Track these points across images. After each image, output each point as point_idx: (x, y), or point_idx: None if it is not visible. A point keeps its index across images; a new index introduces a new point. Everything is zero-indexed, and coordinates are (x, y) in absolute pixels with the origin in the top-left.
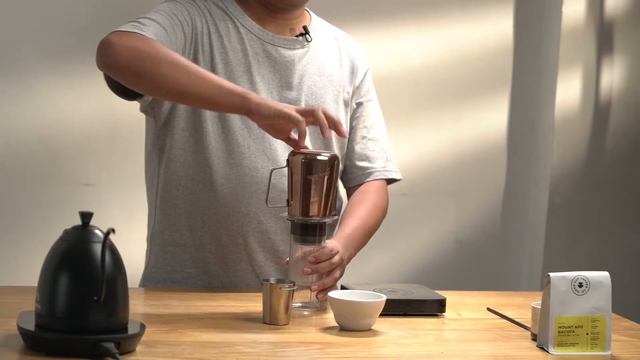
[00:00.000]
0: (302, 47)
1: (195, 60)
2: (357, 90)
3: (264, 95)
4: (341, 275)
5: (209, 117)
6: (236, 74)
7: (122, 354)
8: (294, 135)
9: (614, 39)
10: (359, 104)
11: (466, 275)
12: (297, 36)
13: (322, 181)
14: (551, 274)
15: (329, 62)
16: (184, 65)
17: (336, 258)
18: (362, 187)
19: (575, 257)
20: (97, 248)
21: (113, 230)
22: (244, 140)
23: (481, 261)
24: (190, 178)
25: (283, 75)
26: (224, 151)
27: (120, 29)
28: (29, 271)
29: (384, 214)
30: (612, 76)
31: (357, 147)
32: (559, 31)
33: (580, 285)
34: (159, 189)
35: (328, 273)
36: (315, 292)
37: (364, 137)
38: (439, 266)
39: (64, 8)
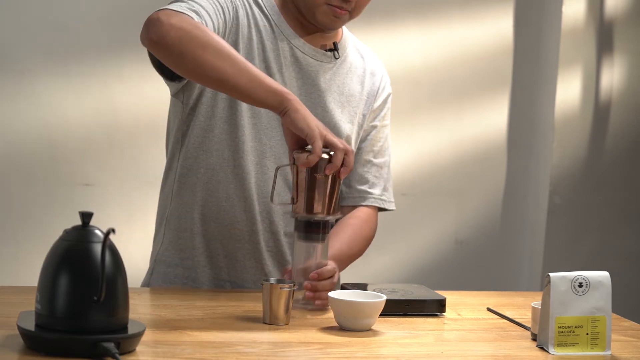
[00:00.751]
0: (329, 62)
1: (235, 48)
2: (373, 113)
3: None
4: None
5: (244, 109)
6: (272, 71)
7: (122, 354)
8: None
9: (614, 39)
10: (373, 127)
11: (466, 275)
12: (326, 50)
13: (326, 179)
14: (551, 274)
15: (352, 81)
16: (228, 54)
17: (336, 277)
18: (354, 212)
19: (575, 257)
20: (97, 248)
21: (113, 230)
22: (267, 140)
23: (481, 261)
24: (211, 167)
25: (305, 83)
26: (250, 146)
27: (169, 7)
28: (29, 271)
29: (367, 244)
30: (612, 76)
31: (360, 170)
32: (559, 31)
33: (580, 285)
34: (177, 174)
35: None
36: (309, 298)
37: (369, 162)
38: (439, 266)
39: (64, 8)
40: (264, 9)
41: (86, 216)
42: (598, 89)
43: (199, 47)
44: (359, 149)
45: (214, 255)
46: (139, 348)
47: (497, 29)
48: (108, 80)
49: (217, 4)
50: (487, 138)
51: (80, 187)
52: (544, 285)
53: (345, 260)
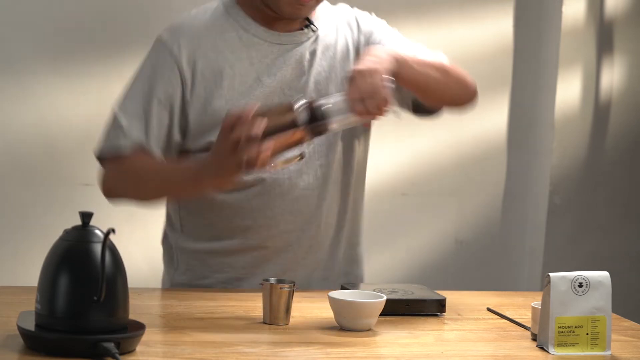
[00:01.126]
0: (309, 37)
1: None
2: (367, 43)
3: (278, 94)
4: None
5: None
6: (263, 78)
7: (122, 354)
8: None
9: (614, 39)
10: (386, 41)
11: (466, 275)
12: (301, 28)
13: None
14: (551, 274)
15: (334, 42)
16: (160, 181)
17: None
18: None
19: (575, 257)
20: (97, 248)
21: (113, 230)
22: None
23: (481, 261)
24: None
25: (294, 69)
26: None
27: (107, 149)
28: (29, 271)
29: (462, 81)
30: (612, 76)
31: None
32: (559, 31)
33: (580, 285)
34: (181, 202)
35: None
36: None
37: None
38: (439, 266)
39: (64, 8)
40: (230, 18)
41: (86, 216)
42: (598, 89)
43: (136, 194)
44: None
45: (233, 269)
46: (139, 348)
47: (497, 29)
48: (108, 80)
49: (154, 102)
50: (487, 138)
51: (80, 187)
52: (544, 285)
53: (420, 61)
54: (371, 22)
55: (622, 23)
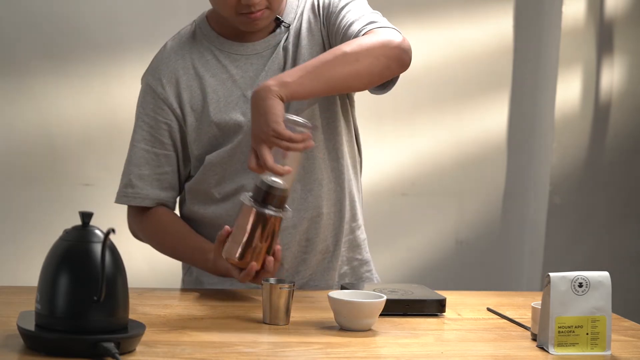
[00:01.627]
0: (282, 35)
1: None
2: (330, 14)
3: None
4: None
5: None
6: (232, 103)
7: (122, 354)
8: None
9: (614, 39)
10: (335, 16)
11: (466, 275)
12: (273, 31)
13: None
14: (551, 274)
15: (307, 27)
16: (180, 253)
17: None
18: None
19: (575, 257)
20: (97, 248)
21: (113, 230)
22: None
23: (481, 261)
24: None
25: (277, 71)
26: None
27: (126, 203)
28: (29, 271)
29: (383, 48)
30: (612, 76)
31: (339, 24)
32: (559, 31)
33: (580, 285)
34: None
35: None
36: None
37: (339, 13)
38: (439, 266)
39: (65, 8)
40: (203, 42)
41: (86, 216)
42: (598, 89)
43: (154, 244)
44: (334, 32)
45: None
46: (139, 348)
47: (497, 29)
48: (108, 80)
49: (158, 155)
50: (487, 138)
51: (80, 187)
52: (544, 285)
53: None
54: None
55: (622, 23)
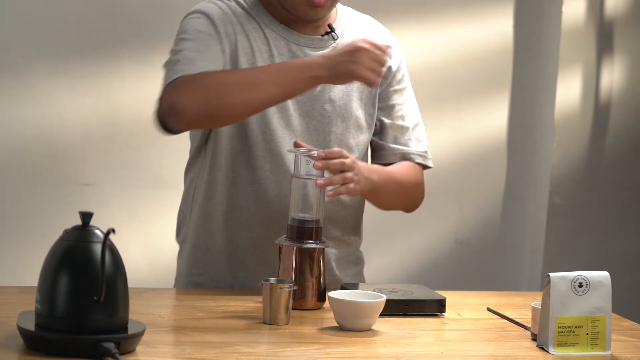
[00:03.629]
0: (328, 46)
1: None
2: (386, 80)
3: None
4: (355, 185)
5: (253, 121)
6: None
7: (122, 354)
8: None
9: (614, 39)
10: (393, 92)
11: (466, 275)
12: (322, 35)
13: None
14: (551, 274)
15: None
16: (246, 84)
17: (348, 160)
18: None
19: (575, 257)
20: (97, 248)
21: (113, 230)
22: (284, 143)
23: (481, 261)
24: (232, 183)
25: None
26: (266, 155)
27: (171, 80)
28: (29, 271)
29: (416, 191)
30: (612, 76)
31: (392, 134)
32: (559, 31)
33: (580, 285)
34: (196, 193)
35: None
36: (322, 188)
37: (400, 126)
38: (439, 266)
39: (65, 8)
40: (251, 13)
41: (86, 216)
42: (598, 89)
43: (225, 105)
44: (382, 119)
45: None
46: (139, 348)
47: (497, 29)
48: (108, 80)
49: (206, 45)
50: (487, 138)
51: (80, 187)
52: (544, 285)
53: (389, 178)
54: (399, 58)
55: (622, 23)
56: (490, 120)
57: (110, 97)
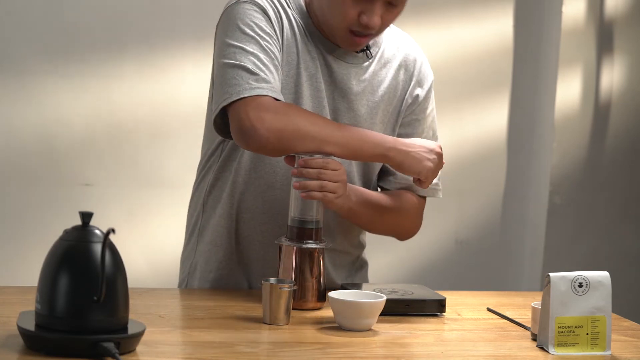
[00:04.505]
0: (362, 62)
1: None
2: (412, 106)
3: (312, 103)
4: (334, 196)
5: None
6: (302, 79)
7: (122, 354)
8: None
9: (614, 39)
10: (415, 120)
11: (466, 275)
12: (357, 52)
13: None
14: (551, 274)
15: (387, 77)
16: (322, 139)
17: (330, 172)
18: (401, 191)
19: (575, 257)
20: (97, 248)
21: (113, 230)
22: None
23: (481, 261)
24: (249, 183)
25: (337, 88)
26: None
27: (253, 94)
28: (29, 271)
29: (410, 221)
30: (612, 76)
31: None
32: (559, 31)
33: (580, 285)
34: (207, 190)
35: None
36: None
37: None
38: (439, 266)
39: (65, 8)
40: (294, 14)
41: (86, 216)
42: (598, 89)
43: (300, 142)
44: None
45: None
46: (139, 348)
47: (497, 29)
48: (108, 80)
49: (270, 50)
50: (487, 138)
51: (80, 187)
52: (544, 285)
53: (370, 204)
54: (428, 86)
55: (622, 23)
56: (490, 120)
57: (110, 97)
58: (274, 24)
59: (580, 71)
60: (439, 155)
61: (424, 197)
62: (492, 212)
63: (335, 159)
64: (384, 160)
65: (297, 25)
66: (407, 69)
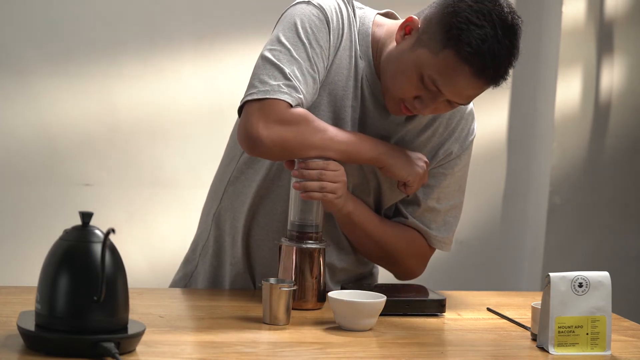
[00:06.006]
0: (399, 120)
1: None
2: (443, 159)
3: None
4: (334, 197)
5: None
6: (346, 102)
7: (122, 354)
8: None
9: (614, 39)
10: (441, 174)
11: (466, 275)
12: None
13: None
14: (551, 274)
15: (430, 128)
16: (329, 143)
17: (331, 173)
18: (411, 229)
19: (575, 257)
20: (97, 248)
21: (113, 230)
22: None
23: (481, 261)
24: (266, 186)
25: (377, 124)
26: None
27: (281, 97)
28: (29, 271)
29: (413, 260)
30: (612, 76)
31: (420, 211)
32: (559, 31)
33: (580, 285)
34: (227, 191)
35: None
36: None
37: (432, 208)
38: (439, 266)
39: (65, 9)
40: (356, 37)
41: (86, 216)
42: (598, 89)
43: (302, 151)
44: (417, 194)
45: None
46: (139, 348)
47: None
48: (108, 80)
49: (314, 61)
50: (487, 138)
51: (80, 187)
52: (544, 285)
53: (369, 221)
54: (466, 145)
55: (622, 23)
56: (490, 120)
57: (110, 97)
58: (331, 38)
59: (580, 71)
60: (427, 165)
61: (433, 248)
62: (492, 212)
63: None
64: (376, 163)
65: (354, 50)
66: (448, 122)
